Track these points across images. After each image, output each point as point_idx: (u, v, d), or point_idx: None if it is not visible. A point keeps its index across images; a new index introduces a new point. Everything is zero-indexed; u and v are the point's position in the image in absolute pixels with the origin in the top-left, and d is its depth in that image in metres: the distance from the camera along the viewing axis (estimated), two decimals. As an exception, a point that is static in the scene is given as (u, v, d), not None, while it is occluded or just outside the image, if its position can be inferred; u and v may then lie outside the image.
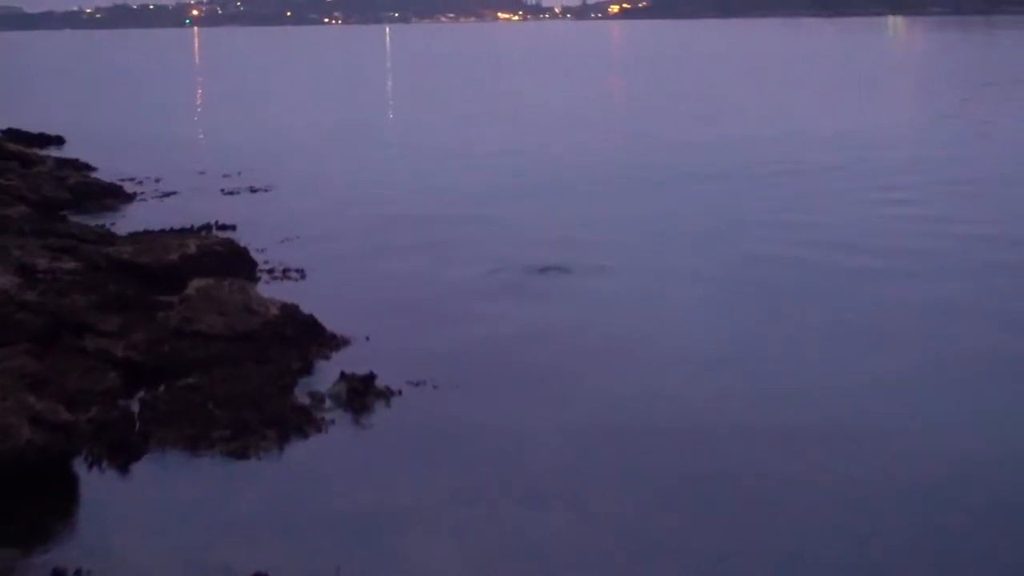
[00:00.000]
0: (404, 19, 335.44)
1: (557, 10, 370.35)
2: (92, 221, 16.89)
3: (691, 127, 31.25)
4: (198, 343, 10.21)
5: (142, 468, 8.09)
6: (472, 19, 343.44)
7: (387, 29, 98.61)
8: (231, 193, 20.34)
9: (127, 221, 17.31)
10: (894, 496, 7.49)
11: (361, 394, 9.29)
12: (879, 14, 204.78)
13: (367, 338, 11.03)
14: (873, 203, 18.27)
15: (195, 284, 11.26)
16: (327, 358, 10.45)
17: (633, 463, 8.05)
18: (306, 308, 11.21)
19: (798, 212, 17.73)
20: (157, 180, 21.74)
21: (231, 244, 14.11)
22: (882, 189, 19.60)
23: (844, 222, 16.79)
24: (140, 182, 21.50)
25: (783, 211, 17.90)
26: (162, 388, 9.27)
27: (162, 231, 15.65)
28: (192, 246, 13.31)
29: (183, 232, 15.58)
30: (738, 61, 68.70)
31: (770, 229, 16.37)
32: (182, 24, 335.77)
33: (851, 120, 31.92)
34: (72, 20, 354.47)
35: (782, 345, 10.83)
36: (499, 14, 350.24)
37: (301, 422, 8.76)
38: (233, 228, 16.58)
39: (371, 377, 9.48)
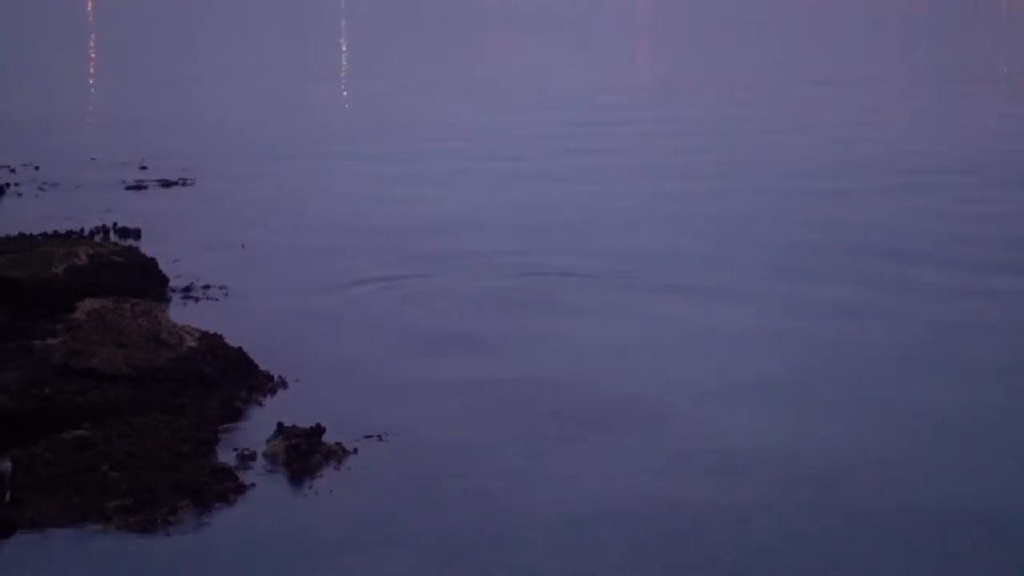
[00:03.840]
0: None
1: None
2: (-51, 222, 16.90)
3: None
4: (90, 385, 10.16)
5: (13, 549, 8.03)
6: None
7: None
8: (135, 187, 20.37)
9: (-5, 222, 17.31)
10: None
11: (304, 453, 9.27)
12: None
13: (312, 379, 11.03)
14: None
15: (86, 306, 11.22)
16: (260, 405, 10.47)
17: (663, 555, 8.01)
18: (233, 339, 11.22)
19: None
20: (36, 168, 21.76)
21: (134, 253, 14.11)
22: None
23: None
24: (13, 170, 21.52)
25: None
26: (41, 443, 9.20)
27: (43, 235, 15.64)
28: (82, 256, 13.30)
29: (70, 237, 15.56)
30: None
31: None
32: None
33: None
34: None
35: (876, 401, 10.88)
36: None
37: (225, 490, 8.74)
38: (137, 233, 16.60)
39: (318, 431, 9.48)
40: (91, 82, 39.09)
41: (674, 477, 9.13)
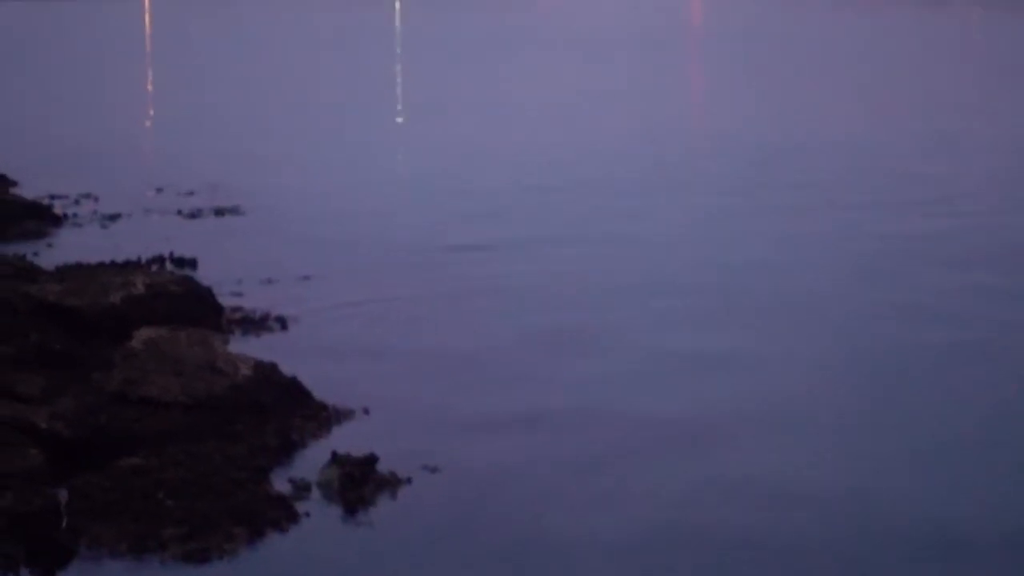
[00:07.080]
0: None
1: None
2: (9, 251, 17.16)
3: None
4: (145, 413, 10.38)
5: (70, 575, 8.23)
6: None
7: (397, 3, 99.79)
8: (192, 216, 20.63)
9: (55, 251, 17.62)
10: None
11: (358, 482, 9.44)
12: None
13: (366, 409, 11.20)
14: None
15: (142, 335, 11.45)
16: (314, 434, 10.63)
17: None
18: (288, 368, 11.40)
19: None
20: (95, 198, 22.07)
21: (190, 283, 14.33)
22: None
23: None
24: (74, 200, 21.85)
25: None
26: (98, 471, 9.43)
27: (100, 265, 15.89)
28: (139, 285, 13.49)
29: (128, 266, 15.83)
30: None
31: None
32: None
33: None
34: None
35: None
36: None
37: (279, 517, 8.93)
38: (193, 263, 16.83)
39: (371, 460, 9.64)
40: (150, 108, 39.44)
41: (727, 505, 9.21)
